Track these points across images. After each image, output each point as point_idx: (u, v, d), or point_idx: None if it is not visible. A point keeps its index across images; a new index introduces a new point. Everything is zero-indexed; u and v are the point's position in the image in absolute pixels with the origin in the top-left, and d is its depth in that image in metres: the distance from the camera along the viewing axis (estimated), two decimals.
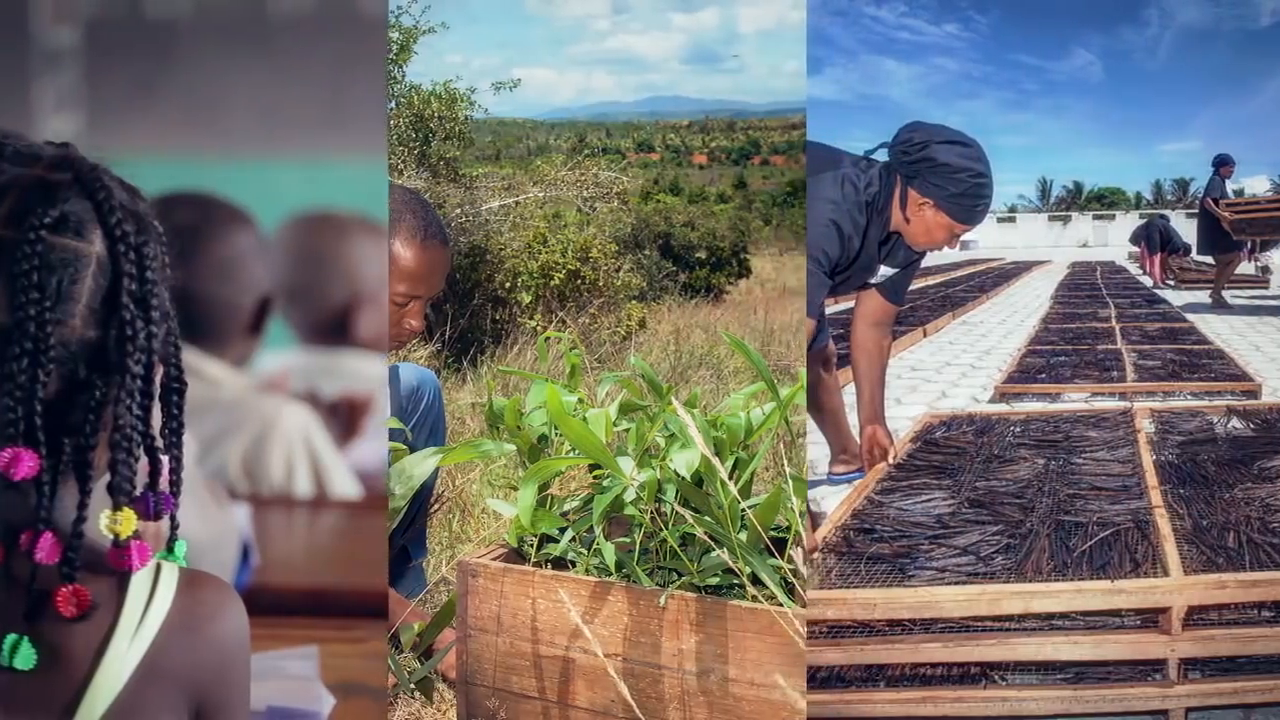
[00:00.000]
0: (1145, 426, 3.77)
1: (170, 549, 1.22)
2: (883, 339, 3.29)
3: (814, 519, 2.65)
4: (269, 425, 2.51)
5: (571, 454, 2.32)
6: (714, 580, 2.13)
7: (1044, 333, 7.98)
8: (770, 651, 1.99)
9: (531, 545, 2.32)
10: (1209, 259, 11.11)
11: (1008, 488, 2.98)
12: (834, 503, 3.01)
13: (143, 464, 1.17)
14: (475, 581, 2.29)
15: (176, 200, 2.47)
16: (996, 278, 15.00)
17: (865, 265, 2.93)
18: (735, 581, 2.10)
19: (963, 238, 2.92)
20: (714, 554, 2.08)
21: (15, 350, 1.10)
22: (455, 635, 2.33)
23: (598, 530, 2.21)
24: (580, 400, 2.45)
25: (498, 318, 8.17)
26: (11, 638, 1.11)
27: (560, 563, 2.30)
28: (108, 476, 1.15)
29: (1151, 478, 3.01)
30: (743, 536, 2.10)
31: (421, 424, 2.96)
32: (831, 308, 4.73)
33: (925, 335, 8.20)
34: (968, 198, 2.73)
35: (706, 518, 2.10)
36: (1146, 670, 2.16)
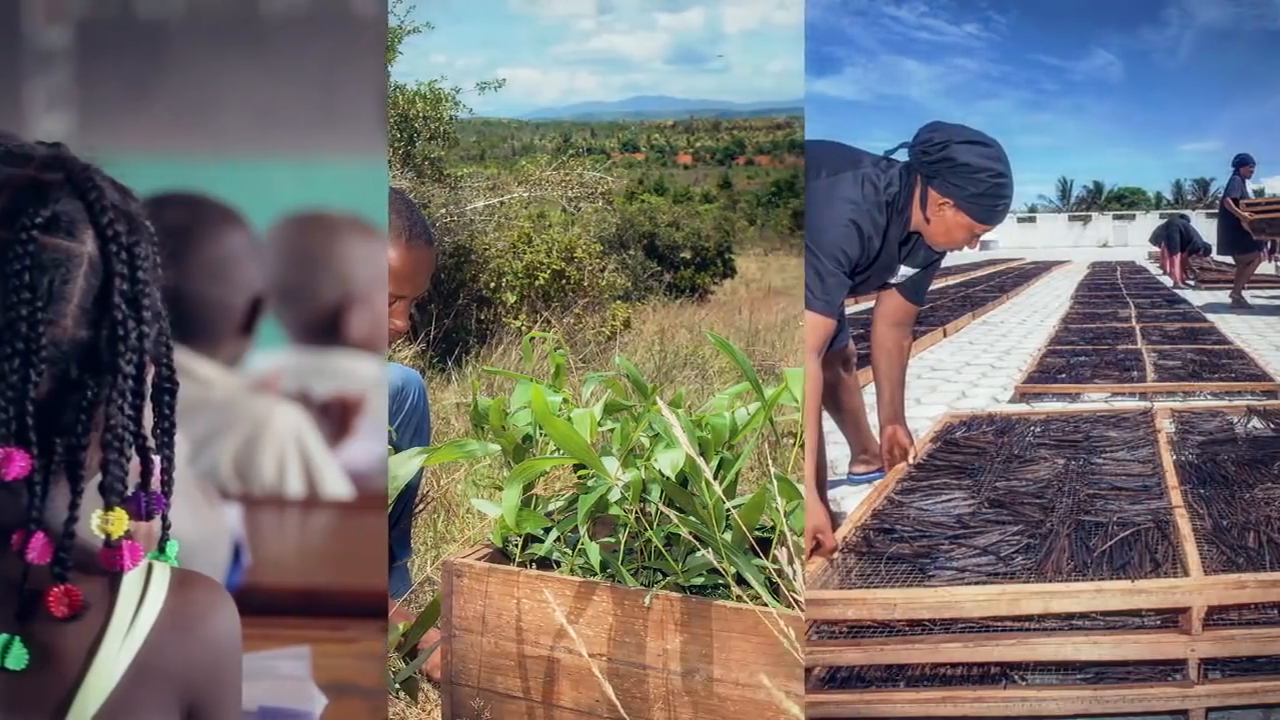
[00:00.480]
0: (1165, 426, 3.76)
1: (162, 549, 1.22)
2: (903, 339, 3.29)
3: (834, 519, 2.65)
4: (260, 425, 2.51)
5: (556, 454, 2.33)
6: (699, 580, 2.13)
7: (1064, 333, 7.92)
8: (755, 651, 2.00)
9: (516, 545, 2.32)
10: (1229, 259, 11.03)
11: (1028, 488, 2.99)
12: (854, 503, 3.01)
13: (134, 464, 1.18)
14: (460, 581, 2.29)
15: (168, 200, 2.48)
16: (1017, 278, 14.87)
17: (885, 265, 2.93)
18: (720, 582, 2.11)
19: (983, 238, 2.91)
20: (699, 554, 2.09)
21: (7, 350, 1.10)
22: (440, 635, 2.33)
23: (582, 530, 2.22)
24: (565, 400, 2.45)
25: (482, 318, 8.17)
26: (3, 638, 1.11)
27: (545, 563, 2.31)
28: (99, 476, 1.15)
29: (1171, 478, 3.00)
30: (727, 536, 2.10)
31: (406, 424, 2.96)
32: (851, 308, 4.74)
33: (945, 335, 8.14)
34: (988, 198, 2.73)
35: (691, 518, 2.11)
36: (1166, 670, 2.16)
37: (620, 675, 2.12)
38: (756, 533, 2.17)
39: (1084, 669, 2.18)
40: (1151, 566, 2.31)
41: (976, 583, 2.26)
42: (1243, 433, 3.74)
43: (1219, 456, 3.31)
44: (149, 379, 1.19)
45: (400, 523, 3.01)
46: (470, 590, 2.28)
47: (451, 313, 7.91)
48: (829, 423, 3.49)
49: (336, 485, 2.59)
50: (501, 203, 9.07)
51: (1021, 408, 4.80)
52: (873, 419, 3.56)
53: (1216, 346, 6.79)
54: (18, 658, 1.11)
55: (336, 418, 2.79)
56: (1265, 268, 11.91)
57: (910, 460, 3.26)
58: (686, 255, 13.09)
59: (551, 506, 2.42)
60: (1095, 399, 5.19)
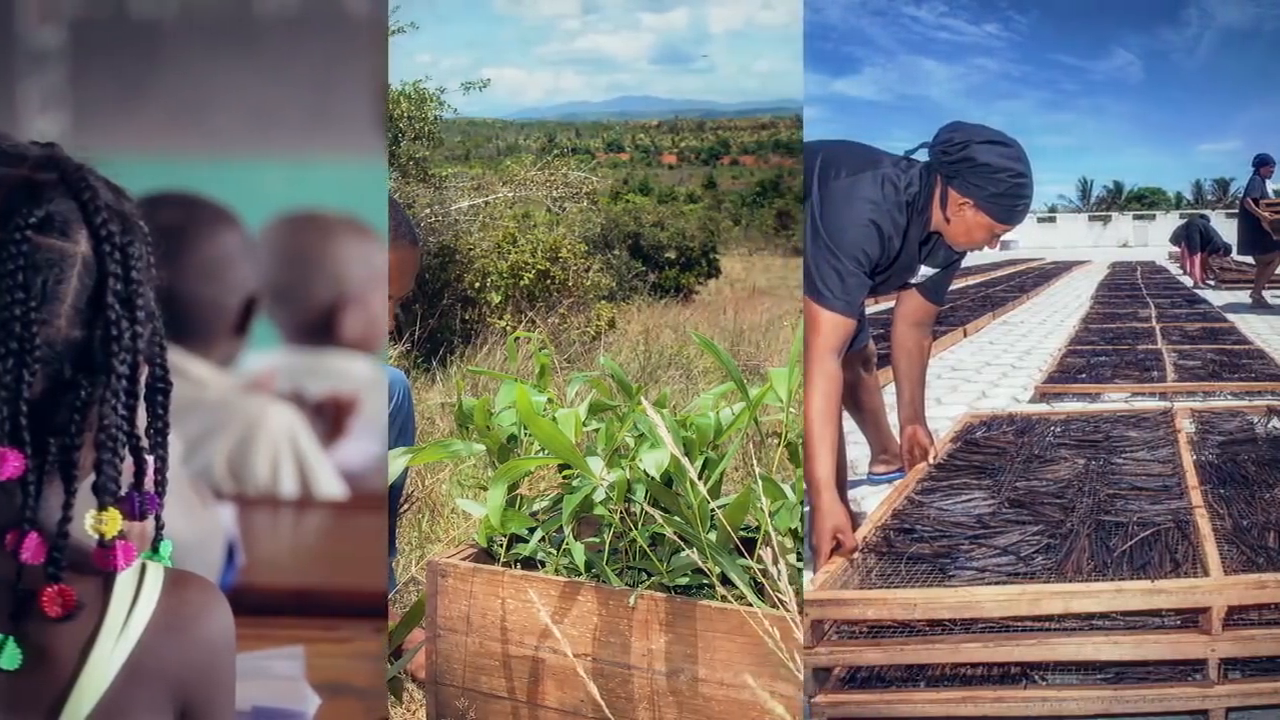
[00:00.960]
0: (1185, 426, 3.74)
1: (155, 549, 1.22)
2: (923, 339, 3.29)
3: (854, 519, 2.66)
4: (254, 425, 2.52)
5: (541, 454, 2.33)
6: (683, 580, 2.14)
7: (1084, 333, 7.91)
8: (740, 651, 2.01)
9: (501, 545, 2.33)
10: (1249, 259, 10.98)
11: (1048, 488, 2.98)
12: (874, 503, 3.01)
13: (128, 464, 1.18)
14: (445, 581, 2.30)
15: (162, 200, 2.48)
16: (1037, 278, 14.79)
17: (906, 265, 2.93)
18: (705, 582, 2.12)
19: (1003, 238, 2.92)
20: (683, 554, 2.10)
21: (0, 350, 1.10)
22: (424, 635, 2.34)
23: (567, 530, 2.22)
24: (550, 400, 2.46)
25: (467, 318, 8.17)
26: None
27: (530, 563, 2.31)
28: (93, 476, 1.15)
29: (1192, 478, 3.00)
30: (712, 537, 2.11)
31: (391, 424, 2.96)
32: (872, 308, 4.73)
33: (965, 335, 8.11)
34: (1008, 198, 2.73)
35: (676, 518, 2.12)
36: (1186, 670, 2.16)
37: (605, 675, 2.12)
38: (741, 533, 2.18)
39: (1104, 669, 2.18)
40: (1171, 566, 2.30)
41: (997, 583, 2.26)
42: (1263, 433, 3.72)
43: (1239, 456, 3.30)
44: (143, 379, 1.19)
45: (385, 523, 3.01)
46: (455, 590, 2.28)
47: (436, 313, 7.91)
48: (849, 423, 3.47)
49: (330, 485, 2.59)
50: (486, 203, 9.08)
51: (1042, 408, 4.80)
52: (893, 419, 3.56)
53: (1237, 346, 6.78)
54: (11, 658, 1.11)
55: (330, 418, 2.80)
56: None
57: (930, 460, 3.26)
58: (671, 255, 13.11)
59: (536, 506, 2.42)
60: (1115, 399, 5.19)
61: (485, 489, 2.32)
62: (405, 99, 8.90)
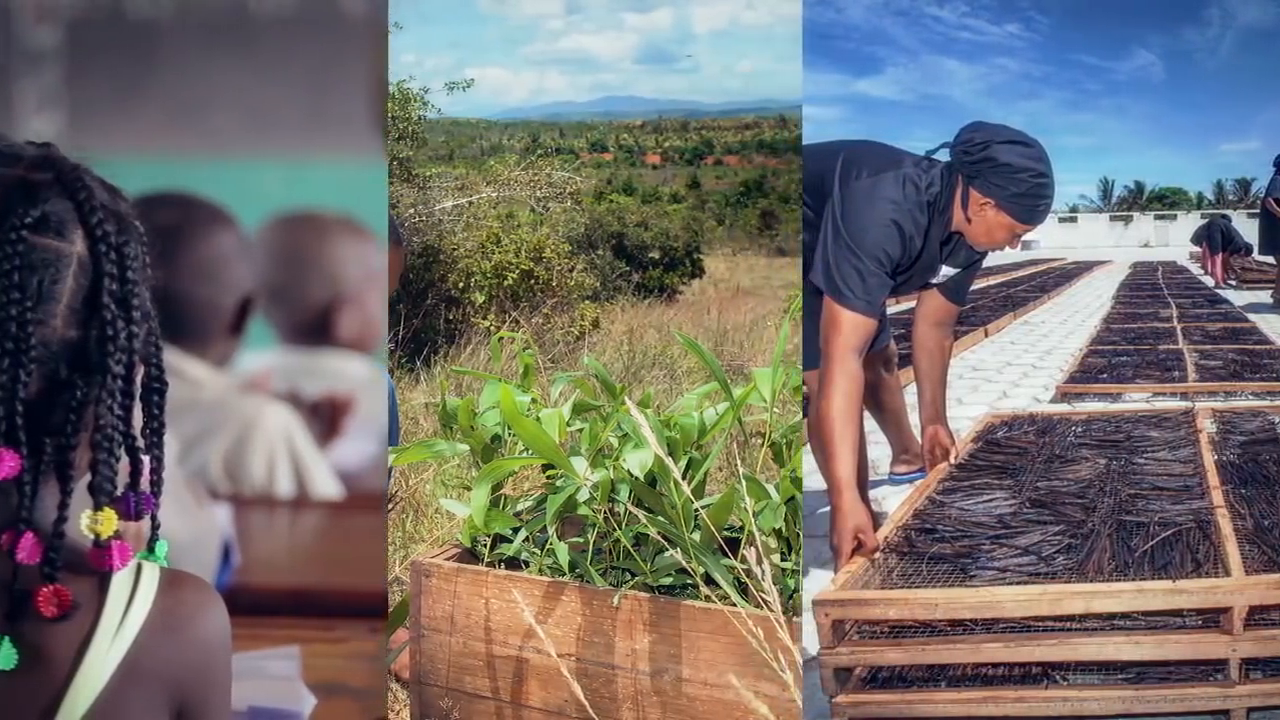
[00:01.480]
0: (1207, 426, 3.73)
1: (151, 549, 1.22)
2: (944, 339, 3.30)
3: (875, 519, 2.66)
4: (250, 425, 2.52)
5: (525, 454, 2.35)
6: (667, 580, 2.16)
7: (1105, 333, 7.89)
8: (724, 651, 2.02)
9: (485, 545, 2.34)
10: (1271, 259, 10.98)
11: (1069, 488, 2.98)
12: (895, 503, 3.02)
13: (124, 464, 1.18)
14: (429, 581, 2.31)
15: (158, 200, 2.48)
16: (1058, 278, 14.69)
17: (927, 265, 2.94)
18: (689, 582, 2.13)
19: (1024, 238, 2.92)
20: (667, 554, 2.11)
21: None
22: (409, 635, 2.35)
23: (551, 530, 2.24)
24: (534, 400, 2.47)
25: (451, 318, 8.17)
26: None
27: (514, 563, 2.33)
28: (89, 476, 1.15)
29: (1213, 478, 2.99)
30: (696, 537, 2.13)
31: None
32: (893, 308, 4.73)
33: (987, 335, 8.11)
34: (1029, 198, 2.74)
35: (660, 518, 2.13)
36: (1208, 670, 2.15)
37: (589, 675, 2.14)
38: (725, 533, 2.20)
39: (1125, 669, 2.18)
40: (1193, 566, 2.30)
41: (1018, 583, 2.25)
42: None
43: (1260, 456, 3.29)
44: (138, 379, 1.19)
45: None
46: (439, 590, 2.29)
47: (420, 312, 7.91)
48: (870, 423, 3.46)
49: (326, 485, 2.60)
50: (470, 203, 9.08)
51: (1063, 408, 4.80)
52: (914, 419, 3.56)
53: (1258, 346, 6.77)
54: (7, 657, 1.11)
55: (326, 418, 2.80)
56: None
57: (951, 460, 3.27)
58: (655, 255, 13.10)
59: (520, 506, 2.43)
60: (1136, 399, 5.19)
61: (469, 489, 2.33)
62: (389, 99, 8.90)
